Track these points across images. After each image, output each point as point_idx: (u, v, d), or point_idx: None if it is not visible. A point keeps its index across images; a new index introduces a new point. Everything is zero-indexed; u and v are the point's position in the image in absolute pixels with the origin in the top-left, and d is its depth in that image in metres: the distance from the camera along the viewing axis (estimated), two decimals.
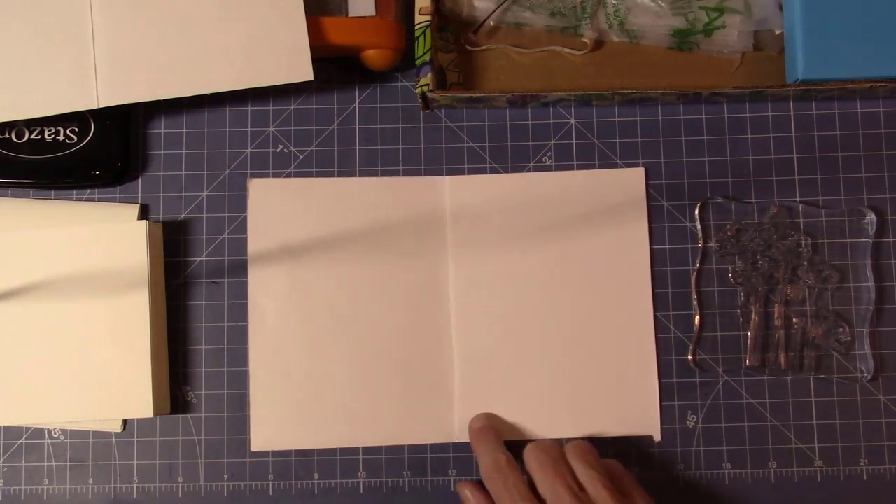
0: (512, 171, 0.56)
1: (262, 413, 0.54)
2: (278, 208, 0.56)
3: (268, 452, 0.55)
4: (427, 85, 0.53)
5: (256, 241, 0.56)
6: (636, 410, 0.54)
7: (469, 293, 0.55)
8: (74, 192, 0.57)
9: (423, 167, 0.56)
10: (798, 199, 0.56)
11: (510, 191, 0.56)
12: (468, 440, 0.53)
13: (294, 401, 0.54)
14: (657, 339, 0.55)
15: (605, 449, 0.53)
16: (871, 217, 0.55)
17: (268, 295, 0.55)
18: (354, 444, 0.54)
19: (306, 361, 0.55)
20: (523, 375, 0.54)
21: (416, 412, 0.54)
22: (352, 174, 0.56)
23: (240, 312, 0.55)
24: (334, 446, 0.54)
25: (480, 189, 0.56)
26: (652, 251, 0.55)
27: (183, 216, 0.57)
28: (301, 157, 0.57)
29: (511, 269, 0.55)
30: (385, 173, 0.56)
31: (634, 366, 0.54)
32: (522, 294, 0.55)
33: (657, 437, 0.54)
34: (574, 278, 0.55)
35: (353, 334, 0.55)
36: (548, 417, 0.54)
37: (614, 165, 0.56)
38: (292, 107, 0.57)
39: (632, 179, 0.56)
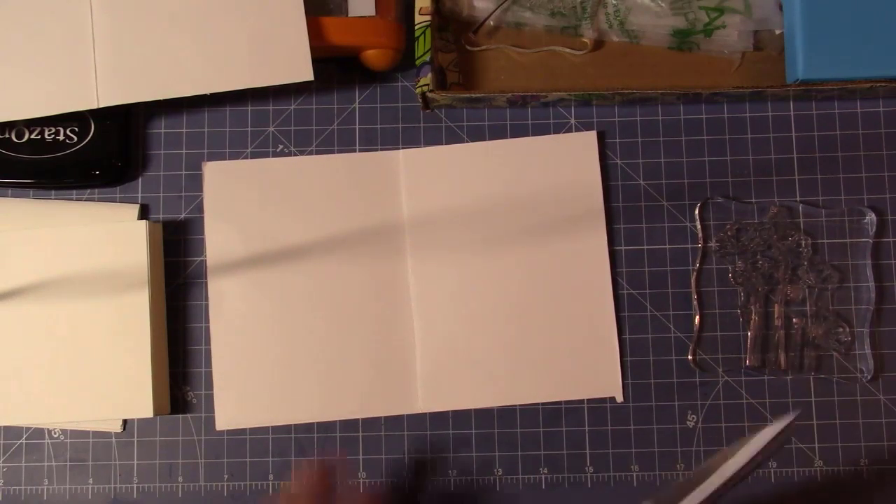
0: None
1: (225, 393, 0.54)
2: (235, 190, 0.56)
3: (268, 452, 0.55)
4: (427, 85, 0.53)
5: (214, 224, 0.56)
6: (598, 373, 0.54)
7: (427, 266, 0.55)
8: (74, 192, 0.57)
9: None
10: (798, 199, 0.56)
11: (464, 160, 0.56)
12: (433, 410, 0.54)
13: (256, 380, 0.54)
14: (657, 338, 0.55)
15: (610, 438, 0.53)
16: (871, 217, 0.55)
17: (227, 276, 0.55)
18: (317, 420, 0.54)
19: (267, 340, 0.55)
20: (484, 344, 0.54)
21: (377, 385, 0.54)
22: None
23: None
24: (296, 422, 0.54)
25: (434, 160, 0.56)
26: (652, 251, 0.55)
27: (183, 216, 0.57)
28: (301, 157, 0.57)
29: (468, 240, 0.55)
30: None
31: (595, 328, 0.55)
32: (480, 264, 0.55)
33: (619, 398, 0.54)
34: (531, 245, 0.55)
35: (314, 312, 0.55)
36: (509, 385, 0.54)
37: (615, 165, 0.56)
38: (292, 107, 0.57)
39: (584, 143, 0.56)
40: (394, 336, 0.55)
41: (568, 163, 0.56)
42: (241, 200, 0.56)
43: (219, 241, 0.55)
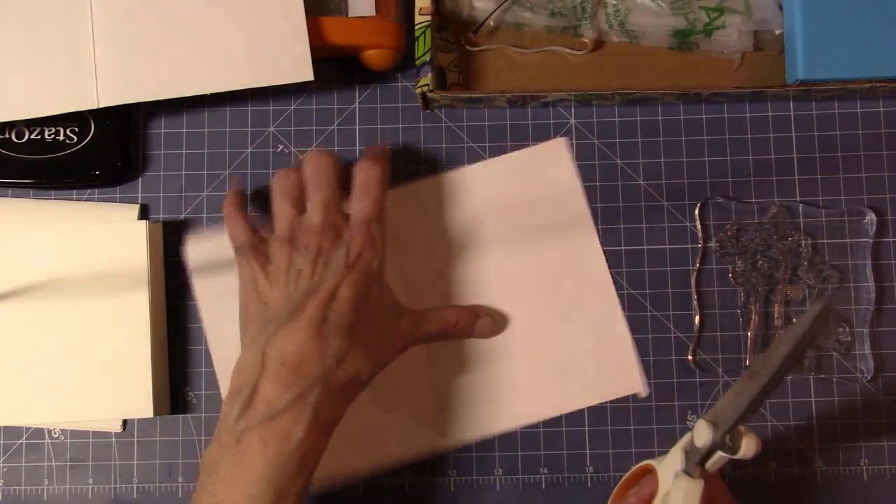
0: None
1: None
2: (220, 264, 0.53)
3: None
4: (427, 85, 0.53)
5: (209, 304, 0.54)
6: (616, 373, 0.54)
7: (427, 301, 0.54)
8: (74, 192, 0.57)
9: (423, 167, 0.56)
10: (798, 199, 0.56)
11: (441, 193, 0.55)
12: (461, 443, 0.53)
13: None
14: (657, 338, 0.55)
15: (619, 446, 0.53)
16: (871, 217, 0.55)
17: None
18: None
19: None
20: (498, 366, 0.54)
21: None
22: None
23: None
24: None
25: (411, 197, 0.55)
26: (651, 251, 0.55)
27: (183, 216, 0.57)
28: (301, 157, 0.57)
29: (464, 270, 0.55)
30: None
31: (605, 328, 0.54)
32: (479, 290, 0.54)
33: (643, 393, 0.54)
34: (526, 261, 0.54)
35: None
36: (529, 402, 0.54)
37: (614, 165, 0.56)
38: (292, 107, 0.57)
39: (556, 151, 0.55)
40: (407, 373, 0.53)
41: (544, 173, 0.55)
42: (230, 273, 0.52)
43: (215, 311, 0.54)
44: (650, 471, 0.46)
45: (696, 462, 0.41)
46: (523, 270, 0.55)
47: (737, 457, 0.40)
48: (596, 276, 0.55)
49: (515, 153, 0.56)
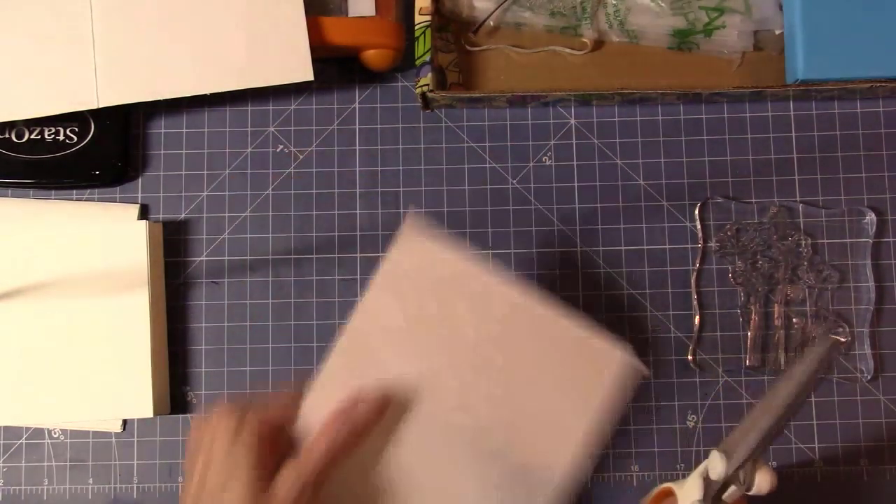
0: (512, 169, 0.56)
1: None
2: None
3: None
4: (427, 85, 0.53)
5: None
6: (602, 362, 0.43)
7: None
8: (74, 192, 0.57)
9: (423, 167, 0.56)
10: (798, 199, 0.56)
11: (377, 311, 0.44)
12: None
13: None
14: (658, 338, 0.55)
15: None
16: (871, 217, 0.55)
17: None
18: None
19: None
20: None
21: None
22: (352, 174, 0.56)
23: (240, 312, 0.56)
24: None
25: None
26: (651, 251, 0.55)
27: (183, 216, 0.57)
28: (301, 157, 0.57)
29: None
30: (385, 173, 0.57)
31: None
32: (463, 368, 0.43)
33: (645, 371, 0.42)
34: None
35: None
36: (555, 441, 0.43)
37: (614, 165, 0.56)
38: (292, 107, 0.57)
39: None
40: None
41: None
42: None
43: None
44: (671, 494, 0.44)
45: (713, 492, 0.39)
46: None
47: (751, 493, 0.38)
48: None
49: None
